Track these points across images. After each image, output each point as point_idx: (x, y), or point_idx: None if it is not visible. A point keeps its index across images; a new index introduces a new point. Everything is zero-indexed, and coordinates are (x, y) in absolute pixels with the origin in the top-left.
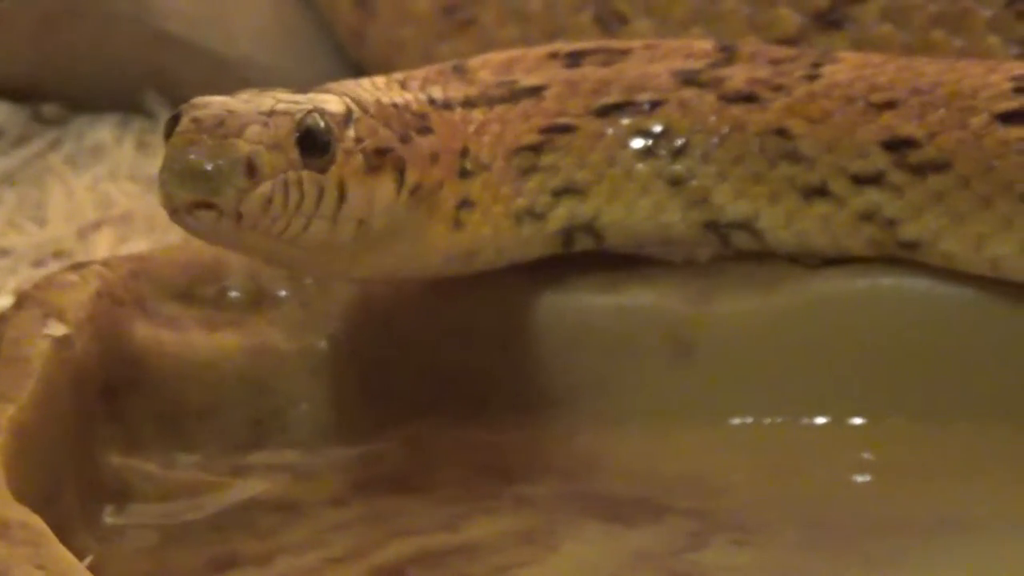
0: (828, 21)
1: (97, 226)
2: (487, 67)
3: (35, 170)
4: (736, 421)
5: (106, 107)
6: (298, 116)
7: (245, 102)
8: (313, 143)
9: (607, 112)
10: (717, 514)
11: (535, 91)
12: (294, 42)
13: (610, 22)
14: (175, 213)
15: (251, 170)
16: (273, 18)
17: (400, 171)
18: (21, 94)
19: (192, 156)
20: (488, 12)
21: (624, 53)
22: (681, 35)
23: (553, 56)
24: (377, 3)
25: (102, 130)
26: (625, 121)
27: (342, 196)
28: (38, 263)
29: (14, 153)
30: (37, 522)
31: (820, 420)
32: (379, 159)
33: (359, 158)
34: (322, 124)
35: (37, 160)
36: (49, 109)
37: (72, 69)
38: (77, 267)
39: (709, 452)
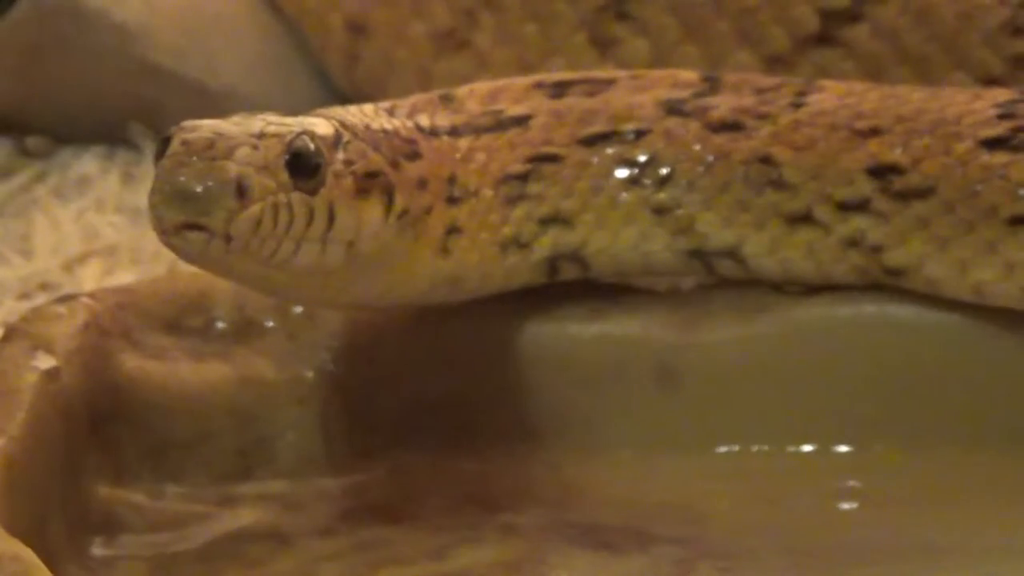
0: (819, 40)
1: (83, 258)
2: (473, 96)
3: (20, 202)
4: (722, 449)
5: (91, 139)
6: (288, 138)
7: (235, 125)
8: (303, 165)
9: (592, 142)
10: (703, 542)
11: (521, 120)
12: (279, 73)
13: (604, 43)
14: (164, 235)
15: (241, 192)
16: (258, 49)
17: (388, 195)
18: (5, 126)
19: (182, 178)
20: (483, 35)
21: (609, 83)
22: (674, 55)
23: (538, 86)
24: (371, 26)
25: (87, 162)
26: (610, 151)
27: (331, 219)
28: (24, 295)
29: None
30: (29, 555)
31: (806, 448)
32: (368, 182)
33: (349, 181)
34: (312, 146)
35: (22, 192)
36: (34, 141)
37: (56, 101)
38: (65, 299)
39: (695, 480)
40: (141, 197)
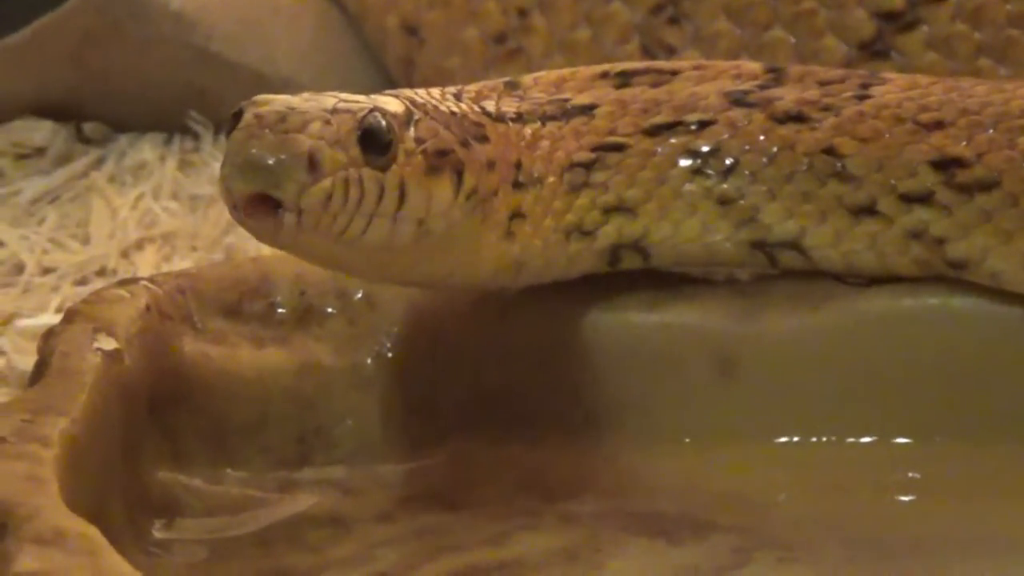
0: (874, 51)
1: (140, 244)
2: (539, 85)
3: (78, 189)
4: (781, 440)
5: (148, 126)
6: (360, 114)
7: (307, 100)
8: (374, 141)
9: (657, 131)
10: (761, 531)
11: (586, 109)
12: (336, 62)
13: (657, 52)
14: (235, 208)
15: (313, 165)
16: (315, 39)
17: (458, 174)
18: (63, 113)
19: (254, 150)
20: (536, 42)
21: (674, 74)
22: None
23: (603, 76)
24: (426, 32)
25: (145, 149)
26: (674, 140)
27: (402, 196)
28: (81, 281)
29: (57, 172)
30: (94, 533)
31: (866, 439)
32: (439, 160)
33: (419, 158)
34: (383, 123)
35: (80, 179)
36: (91, 128)
37: (114, 89)
38: (126, 283)
39: (754, 470)
40: (198, 184)
